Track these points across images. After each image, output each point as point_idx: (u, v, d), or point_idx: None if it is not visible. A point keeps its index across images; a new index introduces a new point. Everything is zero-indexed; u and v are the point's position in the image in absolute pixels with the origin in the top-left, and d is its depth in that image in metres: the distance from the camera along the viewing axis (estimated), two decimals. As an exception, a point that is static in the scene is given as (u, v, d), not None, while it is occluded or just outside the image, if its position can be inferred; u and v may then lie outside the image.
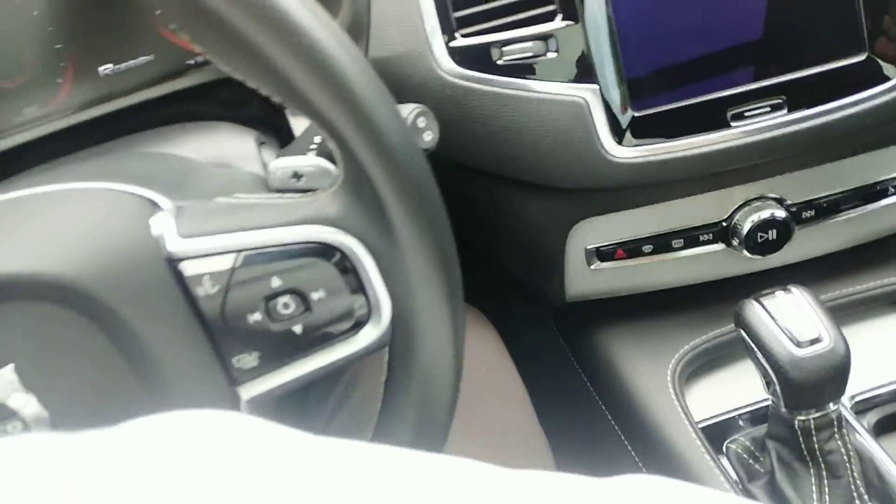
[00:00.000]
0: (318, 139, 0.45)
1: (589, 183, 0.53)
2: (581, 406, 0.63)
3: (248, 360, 0.32)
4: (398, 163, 0.30)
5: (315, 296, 0.32)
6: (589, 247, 0.58)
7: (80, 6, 0.60)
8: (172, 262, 0.31)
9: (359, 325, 0.33)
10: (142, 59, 0.64)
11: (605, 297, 0.61)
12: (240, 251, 0.31)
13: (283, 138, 0.57)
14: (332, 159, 0.40)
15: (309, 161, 0.36)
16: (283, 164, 0.36)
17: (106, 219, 0.32)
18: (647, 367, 0.57)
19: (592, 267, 0.58)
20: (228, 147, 0.46)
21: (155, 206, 0.33)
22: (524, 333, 0.69)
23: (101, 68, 0.63)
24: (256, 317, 0.32)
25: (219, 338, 0.32)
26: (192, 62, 0.65)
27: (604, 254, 0.57)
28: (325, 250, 0.31)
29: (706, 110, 0.52)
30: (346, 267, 0.32)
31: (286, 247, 0.31)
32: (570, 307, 0.62)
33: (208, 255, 0.31)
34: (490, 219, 0.64)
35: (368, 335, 0.33)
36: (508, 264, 0.67)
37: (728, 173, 0.54)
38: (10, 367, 0.30)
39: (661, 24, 0.52)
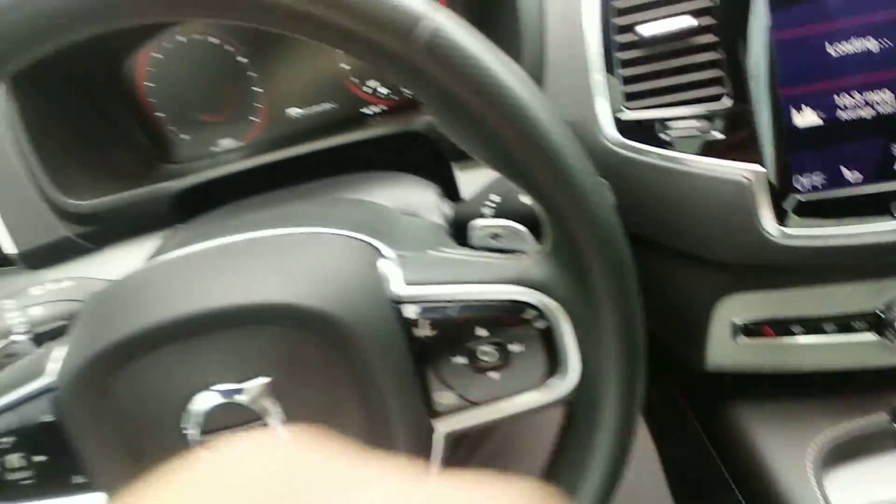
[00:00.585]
0: (495, 199, 0.50)
1: (745, 259, 0.54)
2: (711, 481, 0.63)
3: (447, 397, 0.36)
4: (604, 236, 0.33)
5: (513, 348, 0.35)
6: (736, 321, 0.58)
7: (279, 56, 0.69)
8: (395, 304, 0.35)
9: (549, 378, 0.36)
10: (326, 106, 0.71)
11: (745, 373, 0.61)
12: (455, 301, 0.35)
13: (447, 189, 0.62)
14: (519, 220, 0.44)
15: (506, 224, 0.40)
16: (484, 224, 0.40)
17: (344, 261, 0.37)
18: (786, 450, 0.57)
19: (737, 341, 0.58)
20: (414, 197, 0.51)
21: (378, 253, 0.38)
22: (656, 401, 0.70)
23: (289, 110, 0.71)
24: (460, 360, 0.36)
25: (426, 374, 0.36)
26: (369, 112, 0.72)
27: (751, 329, 0.58)
28: (527, 309, 0.35)
29: (871, 200, 0.52)
30: (544, 325, 0.35)
31: (494, 302, 0.35)
32: (706, 378, 0.63)
33: (427, 302, 0.35)
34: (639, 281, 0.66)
35: (557, 389, 0.36)
36: (651, 326, 0.69)
37: (889, 263, 0.54)
38: (266, 380, 0.35)
39: (830, 111, 0.53)
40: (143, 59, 0.68)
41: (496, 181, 0.51)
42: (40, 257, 0.63)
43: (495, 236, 0.41)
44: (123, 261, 0.61)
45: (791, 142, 0.52)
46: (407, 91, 0.70)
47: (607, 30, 0.54)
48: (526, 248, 0.41)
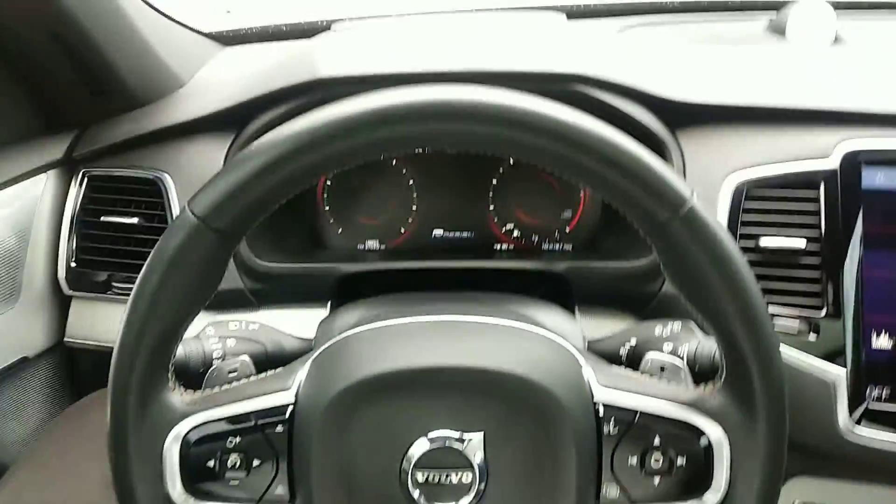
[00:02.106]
0: (633, 342, 0.60)
1: (817, 446, 0.63)
2: None
3: (613, 490, 0.44)
4: (775, 384, 0.43)
5: (678, 461, 0.44)
6: (797, 502, 0.66)
7: (441, 184, 0.82)
8: (594, 401, 0.45)
9: (701, 492, 0.44)
10: (465, 234, 0.84)
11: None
12: (640, 411, 0.44)
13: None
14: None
15: (672, 360, 0.51)
16: (656, 357, 0.50)
17: (559, 357, 0.47)
18: None
19: (800, 521, 0.66)
20: (565, 326, 0.62)
21: (579, 359, 0.48)
22: None
23: (435, 230, 0.84)
24: (633, 461, 0.44)
25: (602, 465, 0.44)
26: (497, 247, 0.84)
27: (813, 511, 0.66)
28: (696, 430, 0.44)
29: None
30: (708, 446, 0.44)
31: (672, 419, 0.44)
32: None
33: (617, 407, 0.45)
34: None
35: (707, 501, 0.44)
36: None
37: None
38: (481, 433, 0.43)
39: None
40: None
41: (632, 328, 0.61)
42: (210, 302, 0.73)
43: (662, 368, 0.52)
44: (281, 321, 0.69)
45: (868, 357, 0.63)
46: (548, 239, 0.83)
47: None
48: (679, 380, 0.51)
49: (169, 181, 0.75)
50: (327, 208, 0.83)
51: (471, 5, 0.94)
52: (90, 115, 0.81)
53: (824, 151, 0.68)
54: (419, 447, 0.45)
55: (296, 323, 0.71)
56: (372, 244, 0.84)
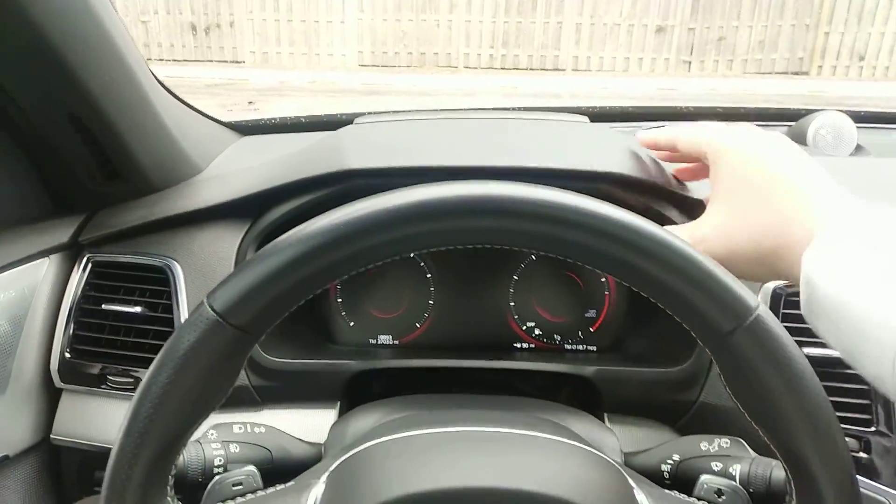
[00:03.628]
0: (676, 458, 0.55)
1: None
2: None
3: None
4: (852, 501, 0.38)
5: None
6: None
7: (460, 280, 0.79)
8: None
9: None
10: (484, 332, 0.80)
11: None
12: None
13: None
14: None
15: (730, 484, 0.45)
16: (710, 480, 0.45)
17: (606, 479, 0.42)
18: None
19: None
20: (596, 433, 0.57)
21: (628, 480, 0.43)
22: None
23: (452, 327, 0.80)
24: None
25: None
26: (517, 346, 0.80)
27: None
28: None
29: None
30: None
31: None
32: None
33: None
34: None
35: None
36: None
37: None
38: None
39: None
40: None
41: (674, 442, 0.56)
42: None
43: (720, 493, 0.46)
44: (287, 421, 0.64)
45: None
46: (561, 338, 0.79)
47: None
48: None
49: (178, 269, 0.72)
50: (340, 300, 0.79)
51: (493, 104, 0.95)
52: (101, 200, 0.79)
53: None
54: None
55: (303, 425, 0.66)
56: (385, 339, 0.80)
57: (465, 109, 0.88)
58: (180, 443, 0.39)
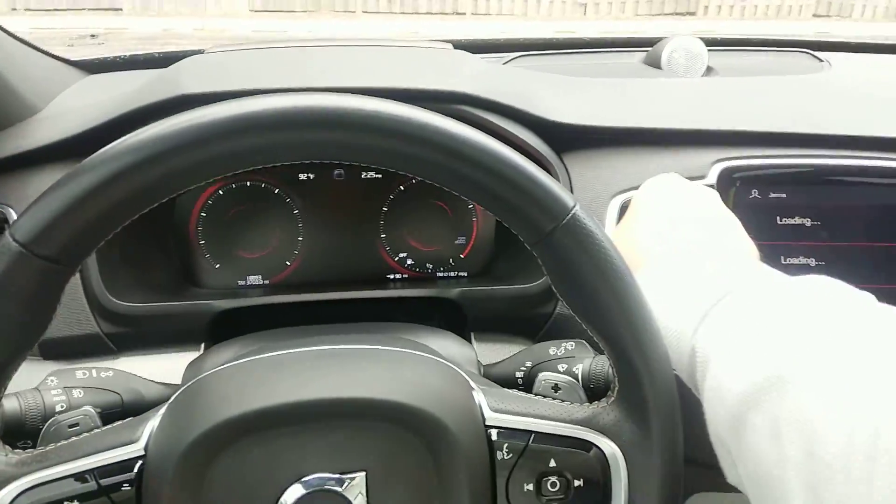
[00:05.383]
0: (528, 364, 0.58)
1: (715, 463, 0.63)
2: None
3: None
4: (665, 398, 0.41)
5: (576, 482, 0.41)
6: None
7: (327, 212, 0.77)
8: (486, 427, 0.41)
9: None
10: (356, 265, 0.79)
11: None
12: (534, 432, 0.41)
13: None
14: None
15: (565, 379, 0.48)
16: (547, 377, 0.47)
17: (447, 382, 0.43)
18: None
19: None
20: (456, 350, 0.58)
21: (469, 382, 0.44)
22: None
23: (322, 263, 0.79)
24: (529, 487, 0.41)
25: (497, 494, 0.40)
26: (390, 276, 0.80)
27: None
28: (592, 448, 0.41)
29: None
30: (604, 465, 0.41)
31: (567, 439, 0.41)
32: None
33: (509, 429, 0.41)
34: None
35: None
36: None
37: None
38: (363, 473, 0.38)
39: None
40: (203, 196, 0.75)
41: (527, 350, 0.59)
42: (58, 350, 0.64)
43: (556, 388, 0.49)
44: (145, 369, 0.62)
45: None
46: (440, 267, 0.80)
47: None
48: (574, 399, 0.49)
49: (13, 216, 0.66)
50: (202, 242, 0.76)
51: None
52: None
53: (701, 170, 0.70)
54: (292, 494, 0.39)
55: (162, 369, 0.63)
56: (254, 279, 0.78)
57: (326, 39, 0.85)
58: None
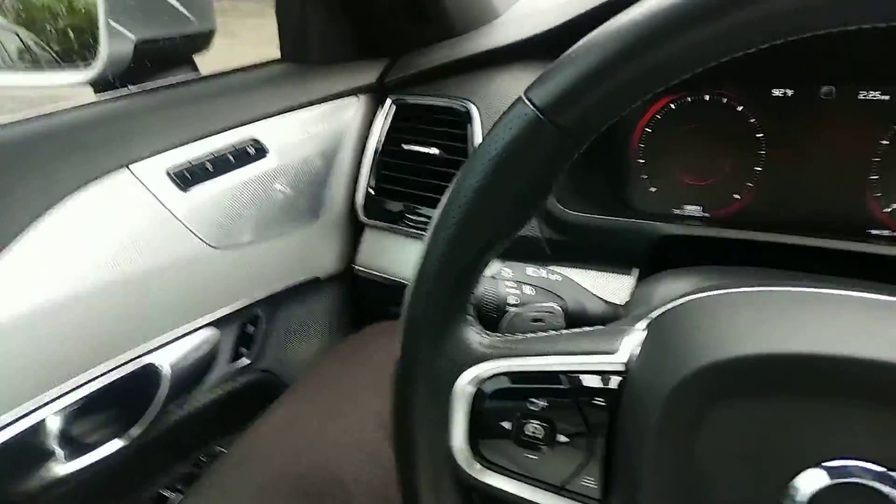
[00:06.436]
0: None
1: None
2: None
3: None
4: None
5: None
6: None
7: (801, 138, 0.63)
8: None
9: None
10: (827, 212, 0.64)
11: None
12: None
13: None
14: None
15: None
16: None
17: None
18: None
19: None
20: None
21: None
22: None
23: (781, 203, 0.65)
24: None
25: None
26: (874, 232, 0.62)
27: None
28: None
29: None
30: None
31: None
32: None
33: None
34: None
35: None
36: None
37: None
38: None
39: None
40: (652, 109, 0.68)
41: None
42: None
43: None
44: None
45: None
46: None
47: None
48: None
49: (474, 111, 0.68)
50: (642, 161, 0.69)
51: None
52: (404, 44, 0.79)
53: None
54: (811, 481, 0.29)
55: (593, 287, 0.59)
56: (693, 210, 0.69)
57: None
58: (487, 254, 0.34)
